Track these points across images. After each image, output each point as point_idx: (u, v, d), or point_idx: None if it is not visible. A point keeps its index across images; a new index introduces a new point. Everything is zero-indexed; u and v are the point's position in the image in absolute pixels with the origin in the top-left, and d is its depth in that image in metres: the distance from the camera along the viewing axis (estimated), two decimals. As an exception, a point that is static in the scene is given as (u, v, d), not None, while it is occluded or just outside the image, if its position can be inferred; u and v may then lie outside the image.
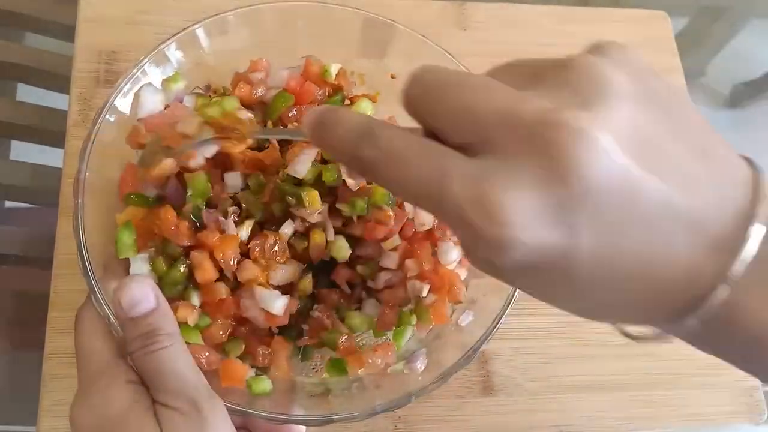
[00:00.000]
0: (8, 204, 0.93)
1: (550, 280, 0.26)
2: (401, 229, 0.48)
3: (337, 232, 0.47)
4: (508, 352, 0.60)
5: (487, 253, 0.25)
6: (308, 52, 0.50)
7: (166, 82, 0.48)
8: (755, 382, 0.64)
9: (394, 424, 0.56)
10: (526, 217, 0.24)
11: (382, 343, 0.46)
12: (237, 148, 0.42)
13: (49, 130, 0.70)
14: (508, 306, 0.45)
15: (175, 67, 0.49)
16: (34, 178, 0.70)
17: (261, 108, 0.50)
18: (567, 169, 0.23)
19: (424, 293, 0.46)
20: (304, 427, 0.43)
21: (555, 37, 0.74)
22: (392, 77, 0.54)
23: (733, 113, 1.72)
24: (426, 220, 0.47)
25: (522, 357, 0.60)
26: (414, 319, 0.47)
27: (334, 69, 0.50)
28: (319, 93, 0.50)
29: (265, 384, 0.43)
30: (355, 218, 0.47)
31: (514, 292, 0.45)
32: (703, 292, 0.25)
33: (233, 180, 0.46)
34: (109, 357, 0.37)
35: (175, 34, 0.48)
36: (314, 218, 0.45)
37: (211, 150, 0.42)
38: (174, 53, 0.49)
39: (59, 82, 0.68)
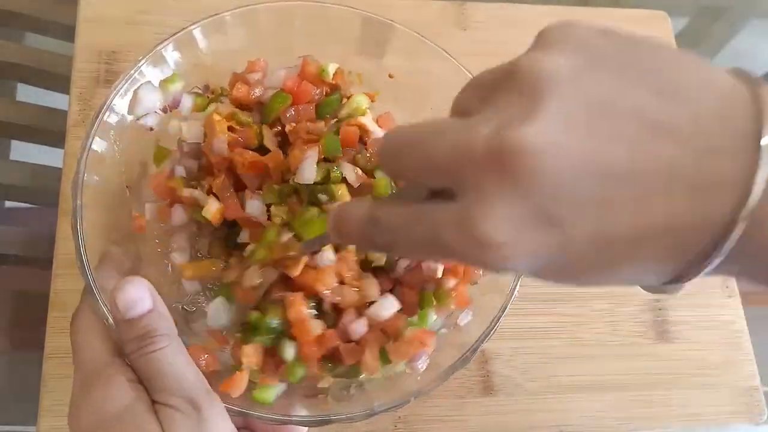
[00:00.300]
0: (8, 204, 0.93)
1: (566, 268, 0.28)
2: None
3: None
4: (508, 352, 0.60)
5: (504, 272, 0.28)
6: (306, 52, 0.50)
7: (164, 82, 0.48)
8: (755, 382, 0.65)
9: (394, 424, 0.56)
10: (511, 234, 0.26)
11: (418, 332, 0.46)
12: (296, 271, 0.44)
13: (49, 130, 0.70)
14: (507, 305, 0.45)
15: (173, 68, 0.49)
16: (34, 178, 0.70)
17: (258, 108, 0.49)
18: (527, 184, 0.25)
19: (439, 273, 0.46)
20: (305, 428, 0.43)
21: (555, 37, 0.74)
22: (390, 77, 0.54)
23: (734, 113, 1.71)
24: None
25: (522, 357, 0.60)
26: (434, 302, 0.47)
27: (331, 68, 0.50)
28: (317, 92, 0.50)
29: (267, 394, 0.43)
30: None
31: (513, 291, 0.45)
32: (719, 232, 0.25)
33: (254, 208, 0.46)
34: (107, 356, 0.37)
35: (172, 35, 0.48)
36: None
37: (272, 277, 0.44)
38: (172, 53, 0.49)
39: (59, 82, 0.68)
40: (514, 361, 0.60)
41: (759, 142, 0.24)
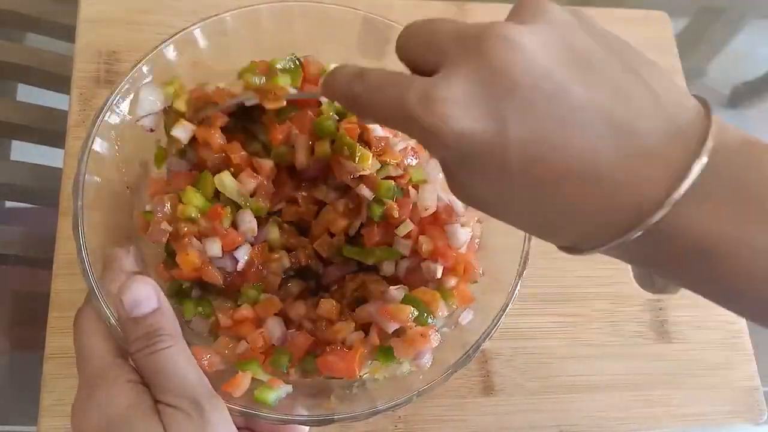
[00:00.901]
0: (8, 204, 0.93)
1: (488, 174, 0.29)
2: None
3: (349, 240, 0.49)
4: (508, 352, 0.60)
5: (431, 146, 0.30)
6: (306, 53, 0.50)
7: (163, 84, 0.48)
8: (755, 382, 0.65)
9: (394, 424, 0.56)
10: (456, 108, 0.28)
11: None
12: (273, 105, 0.45)
13: (49, 130, 0.70)
14: (508, 304, 0.45)
15: (174, 68, 0.49)
16: (34, 178, 0.70)
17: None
18: (492, 68, 0.28)
19: (439, 274, 0.47)
20: (306, 428, 0.43)
21: (555, 37, 0.74)
22: None
23: (733, 113, 1.72)
24: (429, 204, 0.47)
25: (522, 357, 0.60)
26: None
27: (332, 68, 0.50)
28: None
29: (270, 396, 0.43)
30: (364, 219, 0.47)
31: (515, 290, 0.45)
32: (644, 206, 0.28)
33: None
34: (110, 357, 0.37)
35: (173, 35, 0.48)
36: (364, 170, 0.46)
37: (251, 102, 0.46)
38: (172, 54, 0.49)
39: (59, 82, 0.68)
40: (514, 361, 0.60)
41: (704, 144, 0.27)
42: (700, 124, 0.28)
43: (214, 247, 0.44)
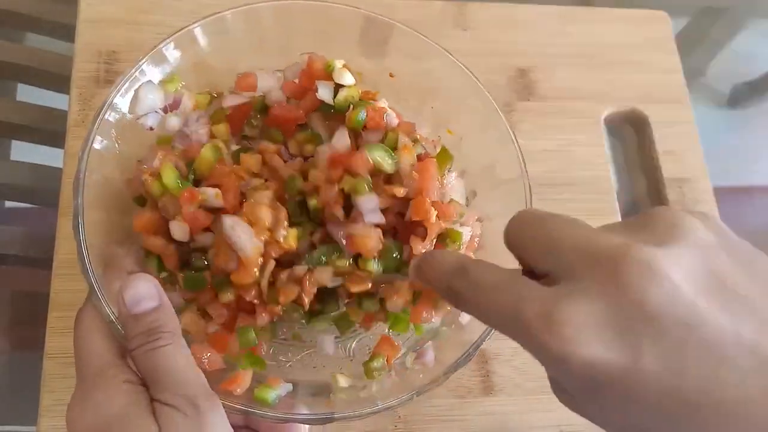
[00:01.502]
0: (8, 204, 0.93)
1: (612, 403, 0.27)
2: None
3: None
4: (508, 352, 0.60)
5: (552, 368, 0.28)
6: (307, 51, 0.50)
7: (164, 82, 0.48)
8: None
9: (394, 424, 0.56)
10: (584, 334, 0.26)
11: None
12: (358, 288, 0.43)
13: (49, 130, 0.70)
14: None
15: (174, 67, 0.49)
16: (34, 178, 0.70)
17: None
18: (630, 297, 0.26)
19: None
20: (306, 426, 0.43)
21: (555, 37, 0.74)
22: (391, 76, 0.54)
23: (733, 113, 1.71)
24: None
25: (522, 357, 0.60)
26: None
27: (338, 64, 0.49)
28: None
29: (269, 394, 0.43)
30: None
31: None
32: None
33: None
34: (108, 357, 0.37)
35: (173, 34, 0.48)
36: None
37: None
38: (172, 52, 0.49)
39: (59, 82, 0.68)
40: (514, 361, 0.60)
41: None
42: None
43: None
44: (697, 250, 0.27)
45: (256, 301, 0.42)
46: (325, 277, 0.43)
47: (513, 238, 0.32)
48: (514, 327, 0.29)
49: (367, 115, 0.46)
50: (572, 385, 0.28)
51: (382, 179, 0.45)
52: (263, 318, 0.43)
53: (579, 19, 0.76)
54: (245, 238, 0.41)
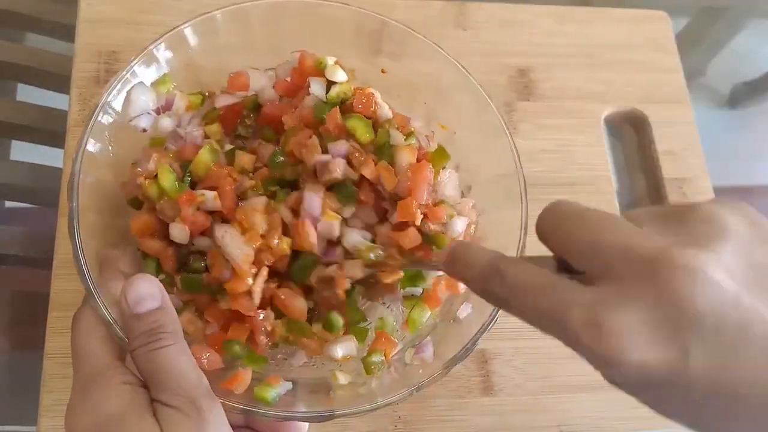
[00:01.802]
0: (8, 204, 0.93)
1: (666, 396, 0.28)
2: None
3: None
4: (508, 352, 0.60)
5: (602, 371, 0.29)
6: (299, 49, 0.50)
7: (155, 83, 0.48)
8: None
9: (394, 424, 0.56)
10: (632, 340, 0.27)
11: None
12: (391, 278, 0.46)
13: (49, 130, 0.70)
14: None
15: (165, 68, 0.49)
16: (34, 178, 0.70)
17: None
18: (675, 300, 0.26)
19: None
20: (306, 425, 0.43)
21: (554, 37, 0.74)
22: (383, 72, 0.54)
23: (733, 113, 1.71)
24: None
25: (522, 357, 0.60)
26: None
27: (330, 61, 0.49)
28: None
29: (269, 393, 0.43)
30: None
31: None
32: None
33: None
34: (107, 358, 0.37)
35: (163, 34, 0.48)
36: None
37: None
38: (164, 53, 0.49)
39: (59, 82, 0.68)
40: (514, 361, 0.60)
41: None
42: None
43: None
44: (736, 246, 0.28)
45: (251, 313, 0.43)
46: (356, 270, 0.44)
47: (548, 231, 0.32)
48: (559, 331, 0.30)
49: (356, 99, 0.47)
50: (623, 381, 0.30)
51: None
52: (263, 341, 0.44)
53: (579, 19, 0.76)
54: (235, 246, 0.42)
